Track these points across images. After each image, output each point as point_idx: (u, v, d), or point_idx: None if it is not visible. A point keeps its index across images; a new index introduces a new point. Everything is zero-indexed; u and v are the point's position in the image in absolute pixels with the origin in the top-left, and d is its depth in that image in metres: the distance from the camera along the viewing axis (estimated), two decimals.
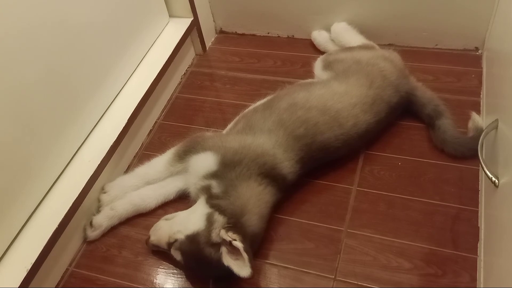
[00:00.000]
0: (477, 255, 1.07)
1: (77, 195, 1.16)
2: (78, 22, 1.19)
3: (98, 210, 1.24)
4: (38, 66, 1.08)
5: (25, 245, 1.08)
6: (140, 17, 1.48)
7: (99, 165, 1.23)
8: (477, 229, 1.11)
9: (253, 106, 1.34)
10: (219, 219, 1.05)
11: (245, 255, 0.97)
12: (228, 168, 1.13)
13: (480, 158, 1.02)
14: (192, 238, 1.05)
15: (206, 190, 1.13)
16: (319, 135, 1.20)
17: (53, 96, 1.14)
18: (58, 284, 1.16)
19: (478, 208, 1.15)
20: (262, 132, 1.20)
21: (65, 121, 1.20)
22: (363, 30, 1.54)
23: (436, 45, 1.58)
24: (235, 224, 1.04)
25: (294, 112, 1.21)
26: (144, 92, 1.42)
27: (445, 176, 1.24)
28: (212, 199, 1.10)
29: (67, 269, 1.18)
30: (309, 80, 1.41)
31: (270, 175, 1.13)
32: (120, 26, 1.38)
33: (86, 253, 1.20)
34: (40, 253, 1.06)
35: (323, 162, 1.25)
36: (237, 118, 1.33)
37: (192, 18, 1.65)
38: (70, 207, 1.14)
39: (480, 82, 1.45)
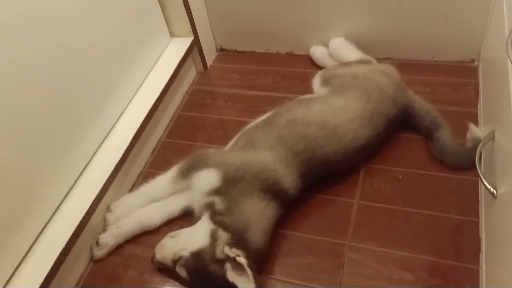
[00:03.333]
0: (479, 265, 1.08)
1: (83, 215, 1.18)
2: (80, 46, 1.23)
3: (104, 229, 1.26)
4: (42, 91, 1.11)
5: (33, 265, 1.10)
6: (142, 37, 1.51)
7: (104, 184, 1.25)
8: (478, 239, 1.12)
9: (254, 122, 1.36)
10: (223, 235, 1.07)
11: (249, 271, 0.99)
12: (230, 185, 1.15)
13: (478, 169, 1.04)
14: (197, 255, 1.07)
15: (210, 206, 1.14)
16: (319, 149, 1.22)
17: (57, 119, 1.17)
18: None
19: (478, 218, 1.16)
20: (263, 148, 1.22)
21: (70, 143, 1.22)
22: (360, 44, 1.57)
23: (433, 57, 1.61)
24: (238, 240, 1.05)
25: (294, 128, 1.23)
26: (147, 111, 1.44)
27: (446, 187, 1.25)
28: (215, 216, 1.12)
29: None
30: (308, 95, 1.44)
31: (272, 190, 1.15)
32: (122, 47, 1.41)
33: (93, 272, 1.22)
34: (48, 273, 1.07)
35: (324, 176, 1.27)
36: (238, 134, 1.35)
37: (193, 38, 1.68)
38: (77, 227, 1.16)
39: (477, 93, 1.47)
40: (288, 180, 1.19)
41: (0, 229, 1.02)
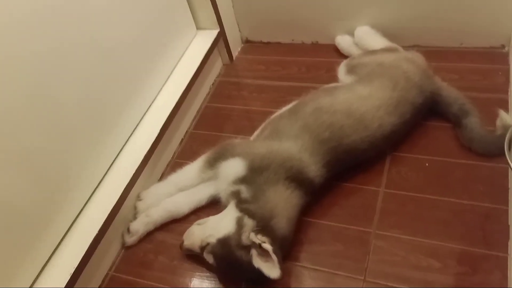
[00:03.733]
0: (508, 253, 1.07)
1: (114, 203, 1.22)
2: (110, 40, 1.26)
3: (134, 217, 1.30)
4: (76, 84, 1.15)
5: (68, 251, 1.15)
6: (169, 31, 1.54)
7: (134, 174, 1.29)
8: (507, 227, 1.11)
9: (279, 112, 1.37)
10: (249, 222, 1.09)
11: (274, 257, 1.00)
12: (256, 173, 1.17)
13: (507, 156, 1.02)
14: (223, 242, 1.09)
15: (236, 195, 1.16)
16: (345, 138, 1.22)
17: (90, 111, 1.21)
18: (99, 287, 1.22)
19: (508, 206, 1.14)
20: (289, 137, 1.23)
21: (101, 134, 1.27)
22: (386, 33, 1.56)
23: (461, 44, 1.58)
24: (264, 227, 1.07)
25: (319, 117, 1.24)
26: (175, 103, 1.48)
27: (474, 175, 1.23)
28: (241, 204, 1.14)
29: (107, 274, 1.24)
30: (333, 84, 1.43)
31: (297, 179, 1.16)
32: (150, 40, 1.44)
33: (124, 258, 1.27)
34: (82, 258, 1.12)
35: (350, 165, 1.27)
36: (263, 124, 1.36)
37: (219, 30, 1.70)
38: (109, 215, 1.20)
39: (507, 79, 1.43)
40: (313, 169, 1.19)
41: (37, 216, 1.07)
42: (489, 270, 1.05)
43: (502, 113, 1.28)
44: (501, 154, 1.07)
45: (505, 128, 1.23)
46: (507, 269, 1.04)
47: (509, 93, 1.39)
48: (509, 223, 1.11)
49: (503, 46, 1.53)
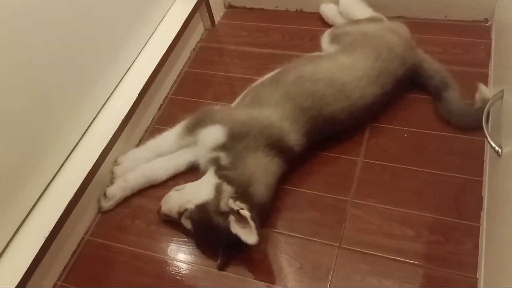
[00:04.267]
0: (479, 223, 1.09)
1: (91, 167, 1.20)
2: (87, 1, 1.21)
3: (111, 182, 1.28)
4: (50, 42, 1.11)
5: (43, 214, 1.13)
6: None
7: (111, 138, 1.27)
8: (481, 198, 1.13)
9: (260, 80, 1.36)
10: (227, 189, 1.08)
11: (252, 223, 1.01)
12: (236, 140, 1.16)
13: (485, 128, 1.03)
14: (202, 207, 1.09)
15: (215, 161, 1.16)
16: (326, 107, 1.21)
17: (66, 71, 1.17)
18: (74, 251, 1.21)
19: (482, 178, 1.17)
20: (269, 105, 1.22)
21: (78, 95, 1.23)
22: (371, 2, 1.53)
23: (445, 16, 1.57)
24: (242, 193, 1.07)
25: (301, 85, 1.23)
26: (154, 66, 1.44)
27: (451, 147, 1.25)
28: (220, 170, 1.13)
29: (83, 238, 1.23)
30: (317, 53, 1.42)
31: (277, 146, 1.16)
32: (128, 2, 1.39)
33: (101, 223, 1.25)
34: (56, 222, 1.11)
35: (329, 134, 1.27)
36: (245, 91, 1.35)
37: None
38: (85, 178, 1.18)
39: (489, 54, 1.44)
40: (293, 137, 1.19)
41: (11, 179, 1.05)
42: (461, 239, 1.08)
43: (481, 86, 1.30)
44: (479, 127, 1.09)
45: (484, 101, 1.24)
46: (479, 238, 1.07)
47: (489, 68, 1.40)
48: (482, 194, 1.14)
49: (486, 20, 1.53)
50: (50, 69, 1.12)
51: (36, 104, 1.09)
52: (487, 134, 1.01)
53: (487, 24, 1.53)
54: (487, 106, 1.08)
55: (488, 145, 1.07)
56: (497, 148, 0.96)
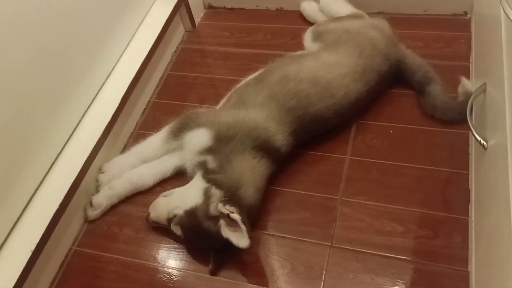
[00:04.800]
0: (468, 216, 1.10)
1: (75, 176, 1.18)
2: (67, 2, 1.18)
3: (97, 190, 1.26)
4: (29, 49, 1.08)
5: (28, 227, 1.10)
6: None
7: (95, 145, 1.25)
8: (468, 191, 1.14)
9: (245, 80, 1.35)
10: (216, 193, 1.07)
11: (243, 226, 1.00)
12: (222, 143, 1.15)
13: (469, 121, 1.04)
14: (191, 213, 1.08)
15: (202, 165, 1.14)
16: (311, 106, 1.21)
17: (46, 78, 1.14)
18: (62, 263, 1.18)
19: (468, 171, 1.18)
20: (255, 106, 1.21)
21: (59, 103, 1.20)
22: None
23: (425, 11, 1.58)
24: (231, 197, 1.06)
25: (286, 85, 1.22)
26: (136, 71, 1.42)
27: (436, 141, 1.26)
28: (208, 174, 1.12)
29: (70, 248, 1.21)
30: (300, 52, 1.42)
31: (264, 148, 1.15)
32: (108, 4, 1.36)
33: (88, 232, 1.23)
34: (43, 234, 1.08)
35: (316, 133, 1.27)
36: (229, 93, 1.33)
37: None
38: (70, 188, 1.16)
39: (469, 47, 1.45)
40: (280, 137, 1.19)
41: None
42: (450, 233, 1.09)
43: (463, 80, 1.31)
44: (463, 120, 1.10)
45: (467, 94, 1.26)
46: (468, 231, 1.08)
47: (470, 61, 1.41)
48: (469, 187, 1.15)
49: (465, 13, 1.55)
50: (29, 77, 1.09)
51: (16, 113, 1.06)
52: (471, 127, 1.01)
53: (466, 17, 1.55)
54: (470, 99, 1.09)
55: (473, 138, 1.08)
56: (482, 141, 0.97)
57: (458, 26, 1.53)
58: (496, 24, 1.09)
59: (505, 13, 0.73)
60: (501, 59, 0.93)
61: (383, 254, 1.08)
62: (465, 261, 1.04)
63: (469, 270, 1.02)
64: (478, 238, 1.01)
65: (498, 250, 0.82)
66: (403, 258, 1.07)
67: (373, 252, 1.08)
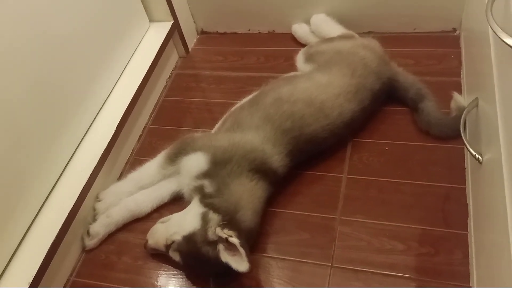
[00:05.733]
0: (467, 231, 1.10)
1: (72, 206, 1.17)
2: (60, 34, 1.20)
3: (94, 219, 1.25)
4: (24, 81, 1.09)
5: (25, 259, 1.09)
6: (120, 24, 1.49)
7: (91, 173, 1.24)
8: (466, 206, 1.14)
9: (239, 103, 1.35)
10: (214, 217, 1.07)
11: (241, 250, 0.99)
12: (219, 167, 1.15)
13: (463, 137, 1.05)
14: (189, 238, 1.07)
15: (199, 190, 1.14)
16: (306, 127, 1.22)
17: (41, 109, 1.15)
18: None
19: (465, 185, 1.18)
20: (250, 129, 1.22)
21: (55, 133, 1.21)
22: (342, 20, 1.56)
23: (415, 29, 1.61)
24: (230, 221, 1.05)
25: (280, 107, 1.23)
26: (131, 98, 1.43)
27: (432, 157, 1.26)
28: (205, 198, 1.11)
29: (68, 279, 1.19)
30: (293, 73, 1.43)
31: (260, 170, 1.15)
32: (101, 34, 1.38)
33: (86, 262, 1.22)
34: (40, 266, 1.07)
35: (312, 153, 1.27)
36: (224, 116, 1.34)
37: (173, 21, 1.66)
38: (66, 218, 1.15)
39: (460, 62, 1.47)
40: (276, 159, 1.19)
41: None
42: (451, 249, 1.08)
43: (456, 95, 1.32)
44: (457, 135, 1.11)
45: (459, 109, 1.26)
46: (468, 246, 1.07)
47: (461, 76, 1.43)
48: (467, 202, 1.15)
49: (454, 30, 1.57)
50: (23, 107, 1.10)
51: (12, 145, 1.06)
52: (466, 143, 1.02)
53: (455, 34, 1.57)
54: (463, 114, 1.10)
55: (468, 152, 1.08)
56: (477, 155, 0.98)
57: (448, 42, 1.55)
58: (484, 39, 1.11)
59: (492, 29, 0.74)
60: (491, 74, 0.94)
61: (384, 272, 1.07)
62: (467, 276, 1.03)
63: (471, 285, 1.01)
64: (478, 253, 1.01)
65: (498, 265, 0.81)
66: (405, 276, 1.06)
67: (374, 271, 1.08)
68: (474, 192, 1.10)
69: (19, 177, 1.09)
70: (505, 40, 0.71)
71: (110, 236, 1.24)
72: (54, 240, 1.11)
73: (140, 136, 1.51)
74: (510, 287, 0.69)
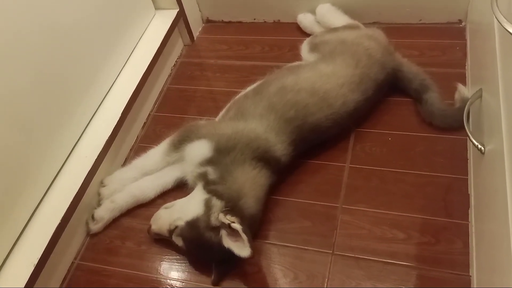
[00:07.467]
0: (468, 221, 1.11)
1: (77, 190, 1.19)
2: (66, 22, 1.21)
3: (98, 204, 1.26)
4: (30, 69, 1.10)
5: (30, 242, 1.11)
6: (126, 11, 1.49)
7: (96, 159, 1.26)
8: (467, 196, 1.15)
9: (243, 92, 1.36)
10: (217, 203, 1.08)
11: (244, 236, 1.00)
12: (222, 154, 1.16)
13: (466, 127, 1.05)
14: (192, 224, 1.08)
15: (203, 176, 1.15)
16: (310, 116, 1.22)
17: (47, 96, 1.16)
18: (65, 277, 1.19)
19: (467, 176, 1.19)
20: (254, 117, 1.22)
21: (60, 119, 1.22)
22: (347, 10, 1.56)
23: (420, 20, 1.60)
24: (232, 207, 1.06)
25: (284, 96, 1.23)
26: (136, 85, 1.43)
27: (435, 148, 1.27)
28: (209, 185, 1.13)
29: (72, 263, 1.21)
30: (297, 63, 1.43)
31: (263, 158, 1.16)
32: (107, 22, 1.39)
33: (90, 246, 1.23)
34: (45, 249, 1.09)
35: (315, 142, 1.28)
36: (228, 105, 1.35)
37: (178, 9, 1.65)
38: (71, 202, 1.16)
39: (465, 54, 1.47)
40: (280, 147, 1.19)
41: None
42: (451, 238, 1.09)
43: (460, 86, 1.32)
44: (460, 126, 1.11)
45: (463, 101, 1.27)
46: (468, 236, 1.08)
47: (466, 68, 1.43)
48: (469, 192, 1.15)
49: (460, 21, 1.57)
50: (29, 95, 1.11)
51: (18, 131, 1.08)
52: (469, 133, 1.03)
53: (461, 25, 1.57)
54: (466, 105, 1.10)
55: (471, 143, 1.09)
56: (479, 146, 0.98)
57: (453, 34, 1.55)
58: (490, 31, 1.11)
59: (498, 20, 0.74)
60: (496, 65, 0.95)
61: (385, 260, 1.08)
62: (467, 266, 1.04)
63: (470, 274, 1.02)
64: (478, 243, 1.02)
65: (498, 254, 0.82)
66: (405, 264, 1.07)
67: (374, 259, 1.09)
68: (476, 182, 1.11)
69: (25, 162, 1.11)
70: (510, 30, 0.71)
71: (114, 221, 1.26)
72: (59, 224, 1.13)
73: (145, 123, 1.52)
74: (509, 276, 0.70)
